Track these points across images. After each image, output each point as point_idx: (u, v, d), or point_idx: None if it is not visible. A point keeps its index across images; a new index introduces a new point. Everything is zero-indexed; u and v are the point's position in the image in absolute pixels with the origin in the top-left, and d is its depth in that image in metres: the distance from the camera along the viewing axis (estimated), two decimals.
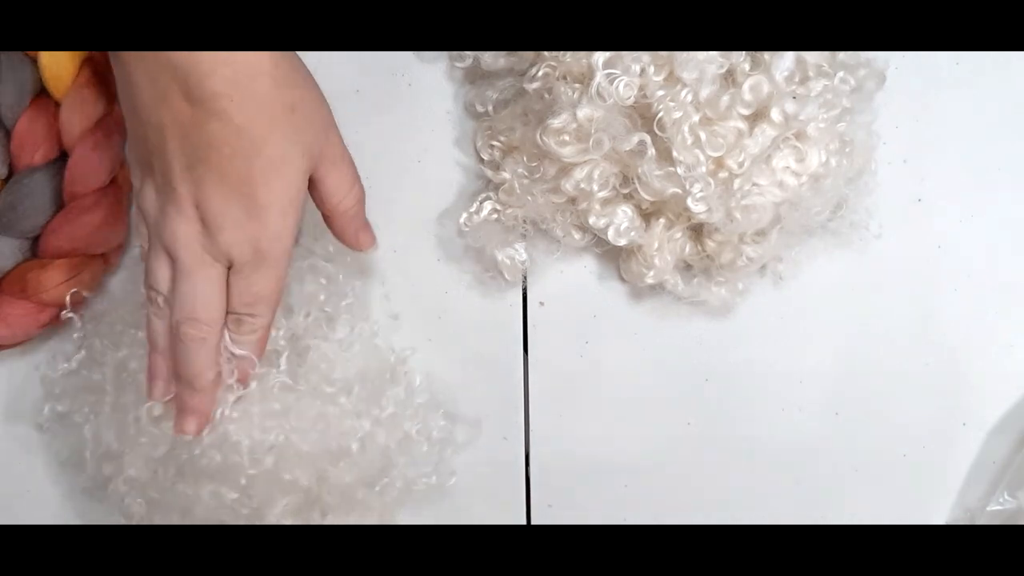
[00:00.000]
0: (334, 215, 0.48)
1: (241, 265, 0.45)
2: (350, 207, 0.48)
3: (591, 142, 0.48)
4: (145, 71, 0.43)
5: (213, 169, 0.43)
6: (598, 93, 0.48)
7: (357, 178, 0.48)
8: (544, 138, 0.49)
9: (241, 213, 0.44)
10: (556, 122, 0.49)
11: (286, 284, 0.48)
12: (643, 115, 0.49)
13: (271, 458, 0.49)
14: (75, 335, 0.54)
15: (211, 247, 0.45)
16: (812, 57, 0.50)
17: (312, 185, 0.47)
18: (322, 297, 0.53)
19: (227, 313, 0.46)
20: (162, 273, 0.46)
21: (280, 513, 0.50)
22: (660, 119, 0.48)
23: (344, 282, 0.54)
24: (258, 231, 0.44)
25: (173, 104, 0.42)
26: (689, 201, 0.48)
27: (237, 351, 0.47)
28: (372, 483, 0.52)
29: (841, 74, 0.50)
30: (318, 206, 0.48)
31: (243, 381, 0.48)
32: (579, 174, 0.50)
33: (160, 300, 0.47)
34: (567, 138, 0.49)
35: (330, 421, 0.51)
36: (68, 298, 0.52)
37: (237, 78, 0.42)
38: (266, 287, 0.46)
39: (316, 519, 0.52)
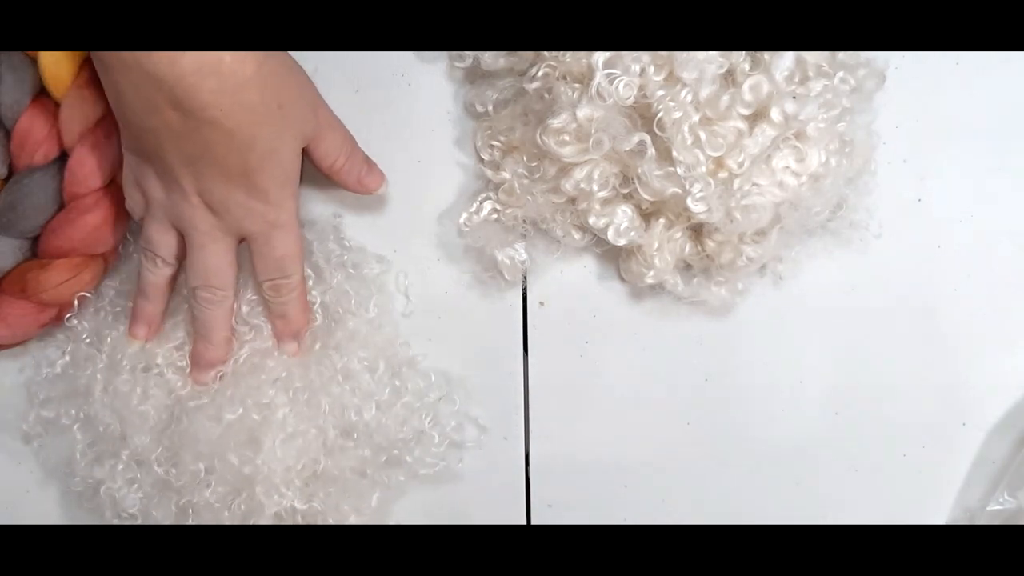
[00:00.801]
0: (332, 173, 0.52)
1: (256, 235, 0.48)
2: (344, 164, 0.51)
3: (591, 142, 0.48)
4: (130, 81, 0.43)
5: (211, 164, 0.45)
6: (598, 93, 0.48)
7: (347, 137, 0.51)
8: (544, 138, 0.49)
9: (244, 196, 0.47)
10: (556, 122, 0.49)
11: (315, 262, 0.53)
12: (643, 115, 0.49)
13: (288, 419, 0.51)
14: (60, 336, 0.54)
15: (220, 224, 0.48)
16: (812, 57, 0.49)
17: (307, 153, 0.50)
18: (351, 270, 0.54)
19: (263, 283, 0.50)
20: (165, 240, 0.49)
21: (285, 479, 0.51)
22: (660, 119, 0.48)
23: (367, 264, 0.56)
24: (263, 207, 0.47)
25: (163, 113, 0.44)
26: (689, 201, 0.48)
27: (253, 320, 0.52)
28: (388, 471, 0.53)
29: (841, 74, 0.50)
30: (317, 168, 0.51)
31: (293, 339, 0.52)
32: (579, 174, 0.50)
33: (159, 261, 0.50)
34: (567, 138, 0.49)
35: (353, 395, 0.52)
36: (76, 300, 0.53)
37: (224, 88, 0.43)
38: (286, 247, 0.49)
39: (320, 492, 0.52)
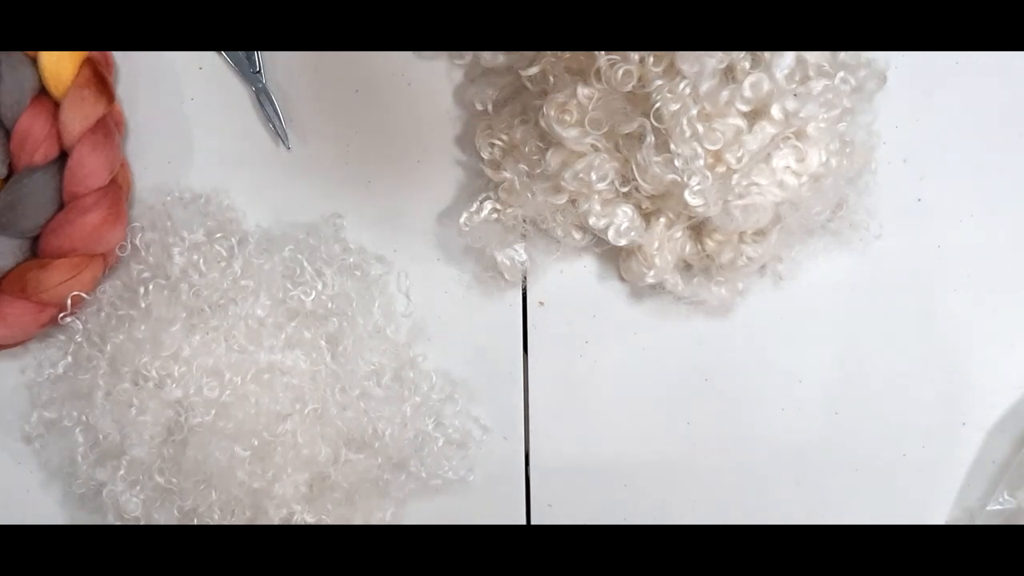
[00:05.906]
0: None
1: None
2: None
3: (587, 119, 0.48)
4: None
5: None
6: (597, 76, 0.48)
7: None
8: (547, 111, 0.49)
9: None
10: (560, 96, 0.49)
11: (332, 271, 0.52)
12: (642, 105, 0.49)
13: (291, 427, 0.50)
14: (62, 337, 0.54)
15: None
16: (813, 56, 0.49)
17: None
18: (358, 274, 0.54)
19: None
20: None
21: (291, 486, 0.50)
22: (658, 109, 0.48)
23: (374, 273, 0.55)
24: None
25: None
26: (686, 194, 0.48)
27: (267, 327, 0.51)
28: (389, 472, 0.53)
29: (842, 74, 0.50)
30: None
31: None
32: (579, 165, 0.49)
33: None
34: (568, 118, 0.49)
35: (360, 403, 0.52)
36: (68, 300, 0.52)
37: None
38: None
39: (327, 500, 0.52)
